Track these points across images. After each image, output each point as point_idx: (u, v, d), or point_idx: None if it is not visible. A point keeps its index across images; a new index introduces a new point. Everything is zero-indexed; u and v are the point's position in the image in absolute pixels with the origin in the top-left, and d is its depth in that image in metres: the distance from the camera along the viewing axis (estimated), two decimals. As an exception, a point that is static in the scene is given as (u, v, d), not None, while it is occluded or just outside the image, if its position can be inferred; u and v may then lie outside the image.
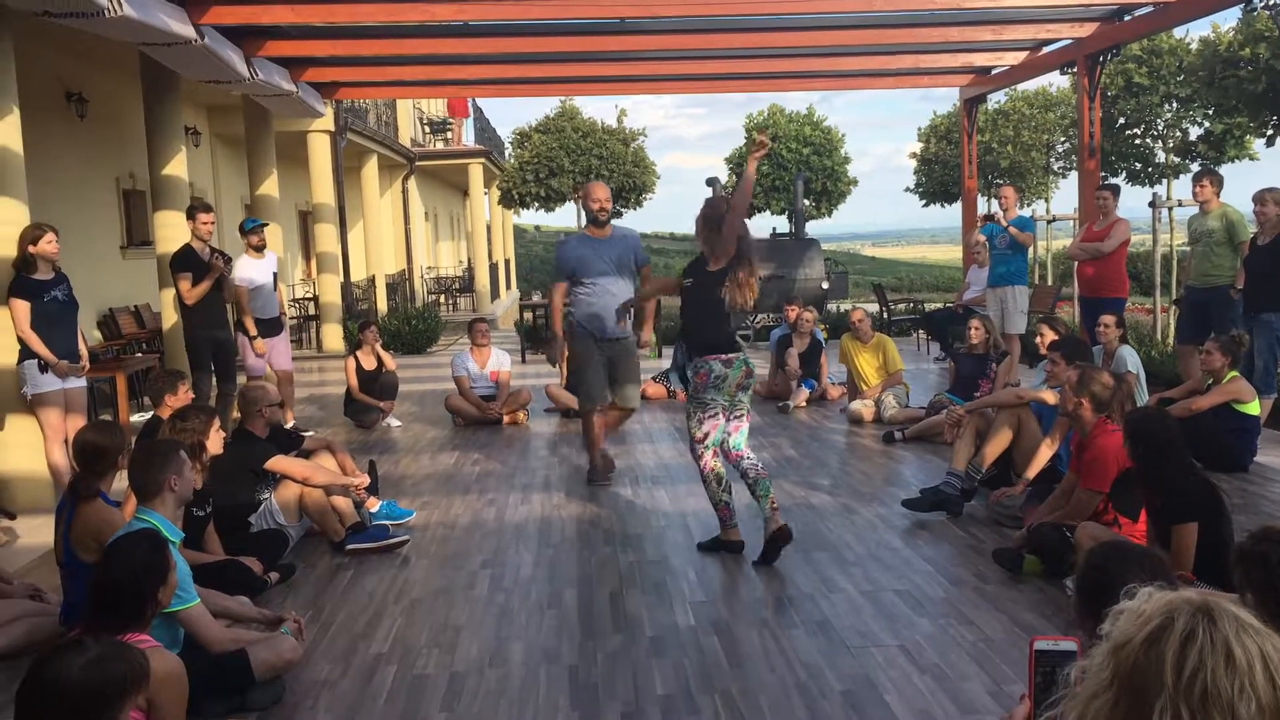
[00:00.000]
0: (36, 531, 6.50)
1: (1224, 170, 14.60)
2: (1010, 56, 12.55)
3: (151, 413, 6.56)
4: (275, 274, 9.48)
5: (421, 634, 4.73)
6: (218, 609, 4.24)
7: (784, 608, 4.90)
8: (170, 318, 10.34)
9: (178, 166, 10.71)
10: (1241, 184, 8.79)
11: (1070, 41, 11.25)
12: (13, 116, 7.21)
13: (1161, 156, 17.63)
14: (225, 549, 5.40)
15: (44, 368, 6.91)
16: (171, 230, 10.32)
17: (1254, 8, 9.94)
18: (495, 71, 12.50)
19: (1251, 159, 16.90)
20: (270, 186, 13.78)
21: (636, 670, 4.24)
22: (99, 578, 3.16)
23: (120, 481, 4.62)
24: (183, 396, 6.30)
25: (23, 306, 6.85)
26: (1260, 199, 7.86)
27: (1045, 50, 12.06)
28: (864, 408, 9.51)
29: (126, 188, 13.74)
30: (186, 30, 8.46)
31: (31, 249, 6.87)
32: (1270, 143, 12.50)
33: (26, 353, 6.91)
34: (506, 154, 25.36)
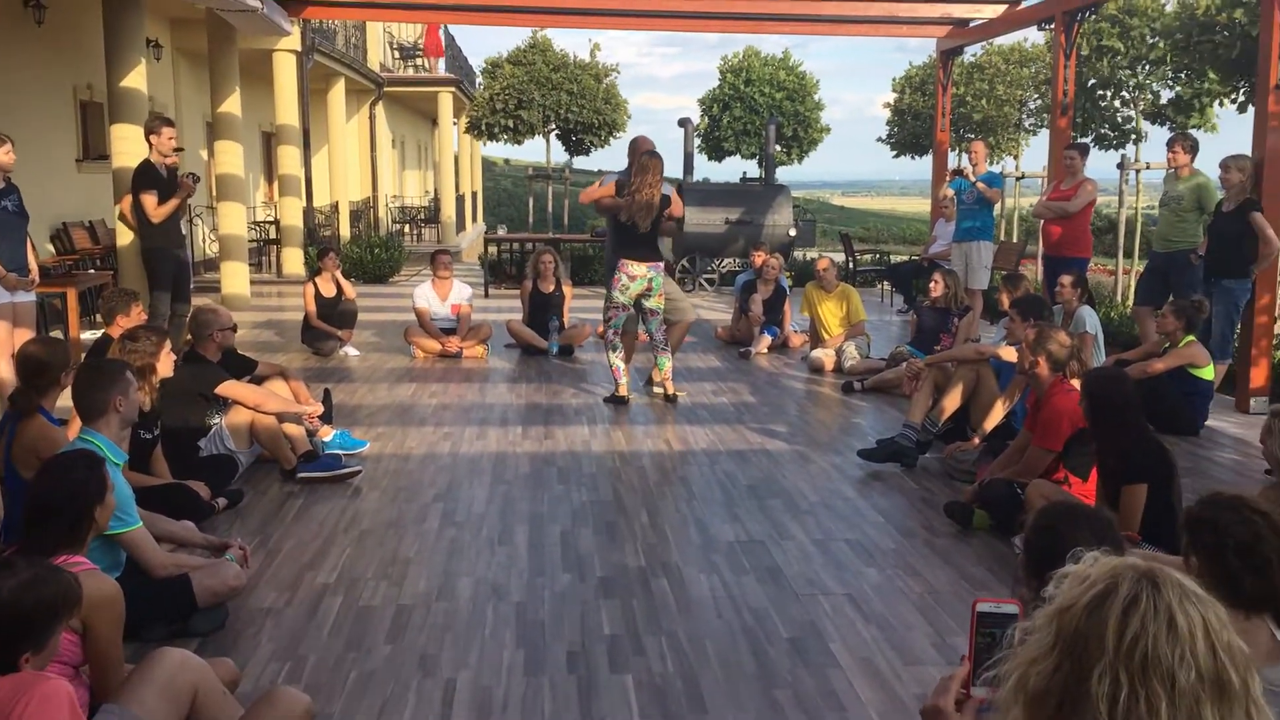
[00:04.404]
0: (-20, 447, 6.38)
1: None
2: (989, 9, 12.45)
3: (102, 331, 6.44)
4: None
5: (370, 565, 4.70)
6: (161, 533, 4.18)
7: (735, 553, 4.91)
8: (125, 234, 10.11)
9: (137, 79, 10.41)
10: (1204, 151, 8.79)
11: (1050, -4, 11.17)
12: (-37, 18, 6.96)
13: (1131, 119, 17.61)
14: (173, 473, 5.32)
15: (-9, 280, 6.75)
16: (129, 144, 10.06)
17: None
18: (468, -2, 12.25)
19: (1212, 129, 16.86)
20: (233, 105, 13.45)
21: (584, 610, 4.24)
22: (32, 496, 3.09)
23: (66, 400, 4.53)
24: (135, 316, 6.18)
25: (-30, 216, 6.68)
26: (1225, 166, 7.88)
27: (1024, 4, 11.97)
28: (825, 357, 9.53)
29: (84, 99, 13.37)
30: (148, -62, 8.18)
31: (-17, 157, 6.68)
32: (1242, 109, 12.52)
33: (-27, 264, 6.74)
34: (477, 84, 24.97)
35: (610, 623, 4.11)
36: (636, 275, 7.91)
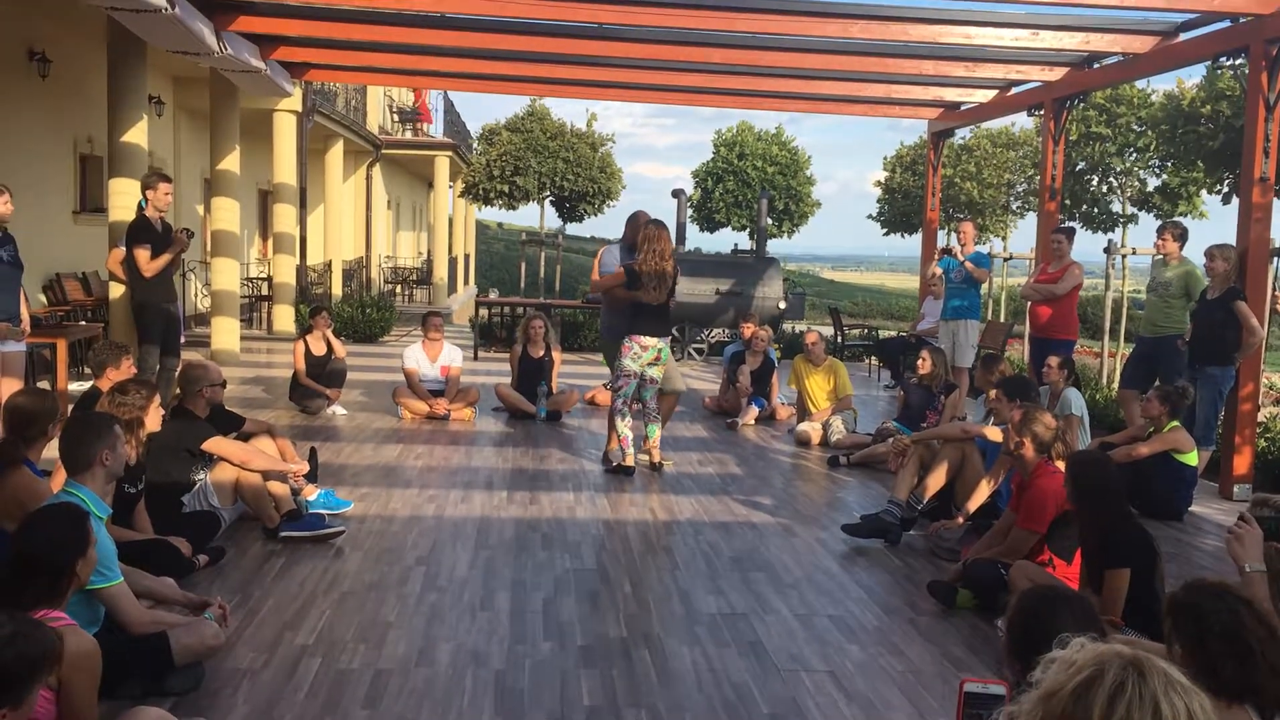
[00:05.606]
0: (-39, 496, 6.33)
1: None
2: (980, 94, 12.68)
3: (91, 383, 6.43)
4: None
5: (349, 628, 4.65)
6: (141, 589, 4.15)
7: (718, 626, 4.88)
8: (117, 287, 10.15)
9: (138, 135, 10.52)
10: (1194, 237, 8.93)
11: (1039, 84, 11.39)
12: (-30, 70, 7.05)
13: (1117, 205, 17.89)
14: (156, 528, 5.29)
15: (-18, 329, 6.75)
16: (126, 198, 10.14)
17: (1219, 66, 10.11)
18: (469, 66, 12.42)
19: (1201, 217, 17.13)
20: (232, 163, 13.59)
21: (564, 679, 4.20)
22: (14, 548, 3.07)
23: (52, 451, 4.51)
24: (125, 370, 6.17)
25: (-36, 265, 6.70)
26: (1210, 255, 8.00)
27: (1015, 90, 12.20)
28: (811, 430, 9.55)
29: (84, 152, 13.48)
30: (158, -2, 8.31)
31: (-20, 206, 6.72)
32: (1226, 200, 12.72)
33: (-35, 312, 6.75)
34: (474, 148, 25.24)
35: (590, 693, 4.08)
36: (649, 346, 7.98)
